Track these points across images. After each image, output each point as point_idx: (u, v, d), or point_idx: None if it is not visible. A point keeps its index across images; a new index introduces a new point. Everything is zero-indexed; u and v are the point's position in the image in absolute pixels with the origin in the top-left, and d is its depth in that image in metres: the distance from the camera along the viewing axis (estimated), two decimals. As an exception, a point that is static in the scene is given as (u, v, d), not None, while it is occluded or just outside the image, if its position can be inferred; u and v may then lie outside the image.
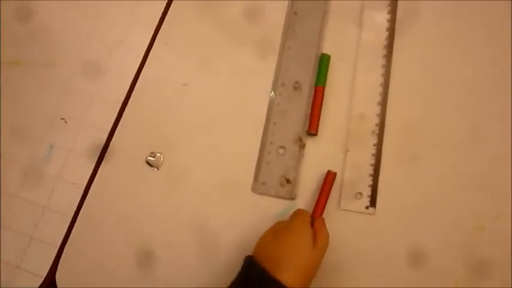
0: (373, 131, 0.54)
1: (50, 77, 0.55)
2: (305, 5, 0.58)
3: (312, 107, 0.54)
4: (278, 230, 0.45)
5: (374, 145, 0.53)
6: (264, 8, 0.59)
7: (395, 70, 0.55)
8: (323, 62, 0.55)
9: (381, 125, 0.54)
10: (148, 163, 0.54)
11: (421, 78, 0.55)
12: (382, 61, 0.56)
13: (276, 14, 0.58)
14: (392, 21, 0.57)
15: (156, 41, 0.58)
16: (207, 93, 0.56)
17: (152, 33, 0.58)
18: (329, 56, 0.55)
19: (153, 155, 0.54)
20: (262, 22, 0.58)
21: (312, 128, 0.53)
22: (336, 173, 0.51)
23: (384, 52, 0.56)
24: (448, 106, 0.54)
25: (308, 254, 0.43)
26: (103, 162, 0.54)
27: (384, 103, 0.54)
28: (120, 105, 0.56)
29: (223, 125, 0.55)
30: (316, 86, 0.55)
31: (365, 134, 0.54)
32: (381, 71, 0.55)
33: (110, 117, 0.55)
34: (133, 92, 0.57)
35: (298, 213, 0.47)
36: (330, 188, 0.51)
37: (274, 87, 0.55)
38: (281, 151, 0.53)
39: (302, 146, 0.53)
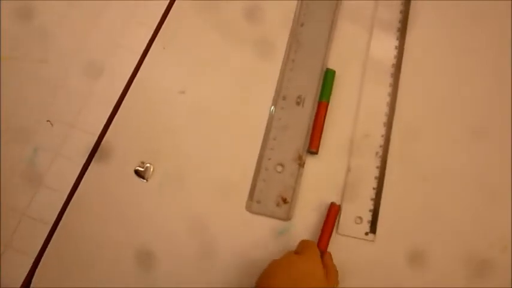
0: (377, 153, 0.51)
1: (41, 75, 0.52)
2: (312, 18, 0.55)
3: (314, 124, 0.51)
4: (291, 266, 0.41)
5: (377, 167, 0.50)
6: (267, 10, 0.56)
7: (402, 90, 0.53)
8: (328, 77, 0.53)
9: (385, 147, 0.51)
10: (137, 173, 0.51)
11: (429, 101, 0.53)
12: (389, 79, 0.53)
13: (279, 16, 0.56)
14: (402, 40, 0.55)
15: (154, 42, 0.55)
16: (204, 101, 0.53)
17: (151, 33, 0.55)
18: (334, 72, 0.53)
19: (142, 165, 0.51)
20: (264, 23, 0.56)
21: (313, 145, 0.50)
22: (339, 206, 0.49)
23: (391, 70, 0.53)
24: (460, 131, 0.52)
25: None
26: (90, 167, 0.51)
27: (389, 124, 0.52)
28: (112, 108, 0.52)
29: (220, 136, 0.52)
30: (319, 101, 0.52)
31: (368, 155, 0.51)
32: (388, 90, 0.53)
33: (101, 121, 0.52)
34: (127, 95, 0.53)
35: (308, 247, 0.44)
36: (334, 221, 0.48)
37: (275, 101, 0.52)
38: (279, 168, 0.50)
39: (302, 165, 0.50)
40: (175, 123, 0.52)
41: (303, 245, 0.45)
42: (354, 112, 0.52)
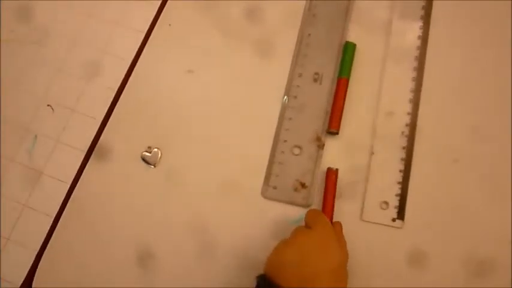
0: (403, 132, 0.47)
1: (41, 56, 0.48)
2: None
3: (334, 102, 0.47)
4: (304, 242, 0.38)
5: (403, 148, 0.46)
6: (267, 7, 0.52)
7: (429, 64, 0.49)
8: (348, 51, 0.48)
9: (412, 125, 0.47)
10: (144, 159, 0.47)
11: (458, 74, 0.49)
12: (415, 52, 0.49)
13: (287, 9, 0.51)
14: (428, 9, 0.50)
15: (157, 24, 0.52)
16: (212, 83, 0.49)
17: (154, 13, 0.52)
18: (354, 45, 0.49)
19: (149, 150, 0.47)
20: (273, 17, 0.51)
21: (333, 125, 0.46)
22: (337, 170, 0.45)
23: (417, 43, 0.49)
24: (489, 106, 0.47)
25: (343, 272, 0.37)
26: (92, 157, 0.47)
27: (416, 100, 0.47)
28: (115, 93, 0.49)
29: (230, 119, 0.48)
30: (339, 78, 0.48)
31: (393, 135, 0.47)
32: (414, 64, 0.48)
33: (104, 105, 0.48)
34: (130, 80, 0.50)
35: (319, 219, 0.40)
36: (335, 187, 0.44)
37: (291, 79, 0.48)
38: (296, 151, 0.46)
39: (321, 146, 0.46)
40: (181, 104, 0.49)
41: (313, 217, 0.41)
42: (376, 89, 0.48)
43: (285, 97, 0.48)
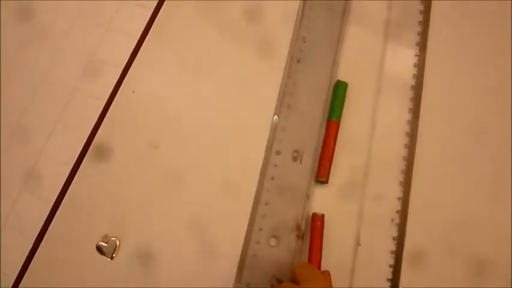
0: (393, 219, 0.41)
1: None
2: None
3: (323, 147, 0.43)
4: None
5: (394, 239, 0.41)
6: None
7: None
8: (338, 91, 0.45)
9: (403, 212, 0.42)
10: (100, 249, 0.41)
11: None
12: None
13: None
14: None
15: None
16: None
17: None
18: (346, 84, 0.45)
19: (106, 239, 0.42)
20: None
21: (321, 173, 0.42)
22: (323, 215, 0.41)
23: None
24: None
25: None
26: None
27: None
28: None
29: (206, 197, 0.43)
30: (329, 120, 0.44)
31: (383, 223, 0.41)
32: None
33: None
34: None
35: (311, 275, 0.35)
36: (322, 234, 0.40)
37: (267, 157, 0.43)
38: (273, 242, 0.41)
39: (300, 236, 0.41)
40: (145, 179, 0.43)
41: (304, 273, 0.36)
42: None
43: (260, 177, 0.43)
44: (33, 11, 0.49)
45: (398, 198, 0.42)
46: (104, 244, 0.41)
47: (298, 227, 0.41)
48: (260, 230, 0.41)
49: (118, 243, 0.41)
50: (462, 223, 0.42)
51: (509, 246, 0.42)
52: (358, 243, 0.41)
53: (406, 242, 0.41)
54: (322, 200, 0.43)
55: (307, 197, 0.42)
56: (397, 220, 0.41)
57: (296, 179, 0.42)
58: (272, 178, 0.42)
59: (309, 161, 0.43)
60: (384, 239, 0.41)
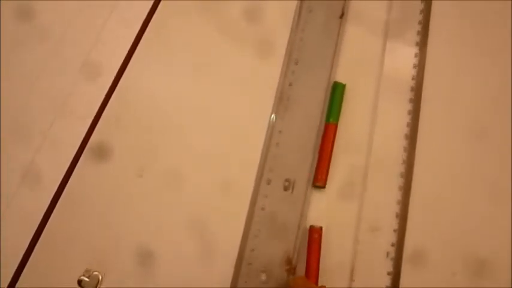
0: (388, 253, 0.40)
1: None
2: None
3: (321, 150, 0.42)
4: None
5: (388, 274, 0.40)
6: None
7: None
8: (336, 92, 0.44)
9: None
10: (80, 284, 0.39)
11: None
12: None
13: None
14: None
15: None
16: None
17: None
18: (344, 85, 0.45)
19: (87, 273, 0.40)
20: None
21: (319, 179, 0.41)
22: (321, 228, 0.40)
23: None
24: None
25: None
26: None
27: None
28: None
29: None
30: (326, 123, 0.43)
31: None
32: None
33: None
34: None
35: None
36: (320, 247, 0.40)
37: (257, 185, 0.41)
38: (263, 277, 0.39)
39: (291, 271, 0.39)
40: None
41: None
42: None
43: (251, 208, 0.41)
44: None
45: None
46: (85, 279, 0.39)
47: (289, 261, 0.40)
48: (249, 264, 0.39)
49: (100, 277, 0.40)
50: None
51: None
52: (351, 279, 0.40)
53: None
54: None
55: (300, 227, 0.40)
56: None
57: (287, 209, 0.40)
58: (262, 208, 0.40)
59: (301, 190, 0.41)
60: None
